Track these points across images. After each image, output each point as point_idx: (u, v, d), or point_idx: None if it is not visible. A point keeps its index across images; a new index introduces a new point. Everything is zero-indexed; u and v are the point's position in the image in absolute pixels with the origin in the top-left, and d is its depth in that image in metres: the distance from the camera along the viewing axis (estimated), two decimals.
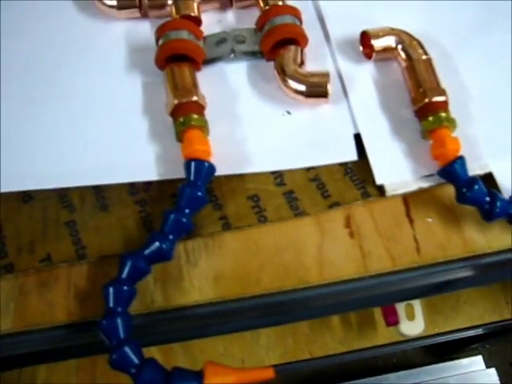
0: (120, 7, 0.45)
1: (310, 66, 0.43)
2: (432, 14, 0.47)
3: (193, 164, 0.38)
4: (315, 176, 0.41)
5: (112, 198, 0.40)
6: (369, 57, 0.44)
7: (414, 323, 0.71)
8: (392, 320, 0.69)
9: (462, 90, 0.43)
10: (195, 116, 0.40)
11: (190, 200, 0.38)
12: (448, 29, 0.46)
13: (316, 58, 0.44)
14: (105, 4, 0.45)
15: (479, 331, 0.76)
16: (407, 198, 0.41)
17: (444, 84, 0.42)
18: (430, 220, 0.40)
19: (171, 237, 0.37)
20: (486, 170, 0.41)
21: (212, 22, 0.46)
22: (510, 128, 0.42)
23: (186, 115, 0.40)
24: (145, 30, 0.45)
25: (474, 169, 0.41)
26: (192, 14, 0.44)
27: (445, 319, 0.76)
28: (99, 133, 0.42)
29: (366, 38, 0.43)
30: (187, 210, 0.38)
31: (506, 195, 0.40)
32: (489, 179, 0.41)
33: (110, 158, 0.41)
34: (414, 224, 0.40)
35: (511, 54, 0.45)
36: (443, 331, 0.75)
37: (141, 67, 0.44)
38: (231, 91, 0.43)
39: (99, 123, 0.42)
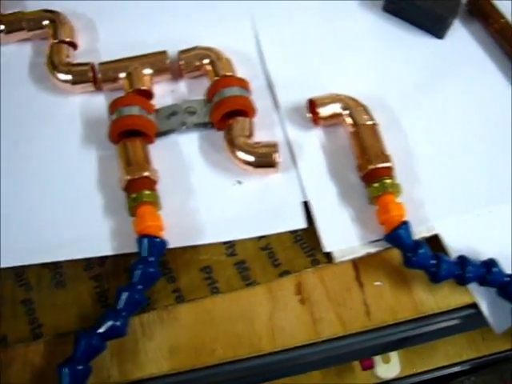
0: (74, 82, 0.47)
1: (260, 135, 0.45)
2: (379, 78, 0.49)
3: (144, 240, 0.40)
4: (266, 245, 0.43)
5: (68, 274, 0.42)
6: (316, 123, 0.46)
7: (389, 366, 0.73)
8: (367, 364, 0.71)
9: (408, 153, 0.46)
10: (147, 192, 0.42)
11: (142, 276, 0.40)
12: (395, 92, 0.48)
13: (266, 127, 0.46)
14: (59, 79, 0.47)
15: (457, 369, 0.78)
16: (357, 263, 0.43)
17: (390, 149, 0.44)
18: (380, 283, 0.42)
19: (125, 313, 0.39)
20: (433, 232, 0.43)
21: (165, 93, 0.48)
22: (453, 189, 0.44)
23: (137, 191, 0.42)
24: (100, 103, 0.48)
25: (421, 232, 0.43)
26: (143, 88, 0.46)
27: (422, 358, 0.77)
28: (55, 209, 0.43)
29: (312, 105, 0.45)
30: (140, 286, 0.39)
31: (454, 255, 0.42)
32: (436, 241, 0.43)
33: (66, 234, 0.43)
34: (364, 288, 0.42)
35: (456, 114, 0.48)
36: (421, 371, 0.77)
37: (96, 141, 0.46)
38: (184, 163, 0.45)
39: (55, 199, 0.44)
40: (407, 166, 0.45)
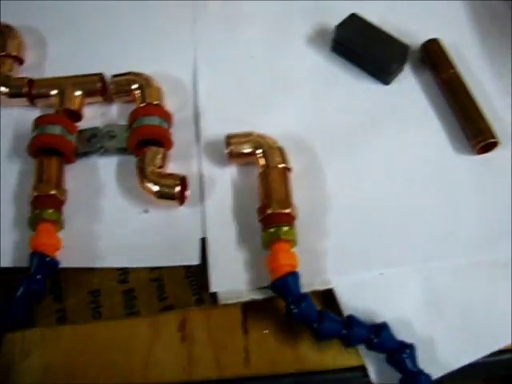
0: (10, 95, 0.49)
1: (176, 166, 0.46)
2: (311, 120, 0.48)
3: (35, 257, 0.41)
4: (158, 276, 0.43)
5: None
6: (231, 161, 0.46)
7: None
8: None
9: (322, 202, 0.45)
10: (50, 210, 0.43)
11: (26, 293, 0.41)
12: (326, 136, 0.47)
13: (183, 158, 0.47)
14: None
15: None
16: (246, 308, 0.42)
17: (303, 195, 0.44)
18: (266, 332, 0.42)
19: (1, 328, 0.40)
20: (328, 286, 0.42)
21: (95, 115, 0.49)
22: (358, 245, 0.43)
23: (41, 208, 0.43)
24: (33, 118, 0.49)
25: (314, 284, 0.42)
26: (72, 108, 0.47)
27: None
28: None
29: (228, 141, 0.45)
30: (22, 302, 0.41)
31: (346, 313, 0.41)
32: (331, 297, 0.42)
33: None
34: (249, 334, 0.42)
35: (383, 169, 0.46)
36: None
37: (22, 154, 0.48)
38: (97, 185, 0.46)
39: None
40: (317, 215, 0.44)
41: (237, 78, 0.50)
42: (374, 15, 0.51)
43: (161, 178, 0.44)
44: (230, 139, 0.45)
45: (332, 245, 0.43)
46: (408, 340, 0.40)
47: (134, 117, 0.46)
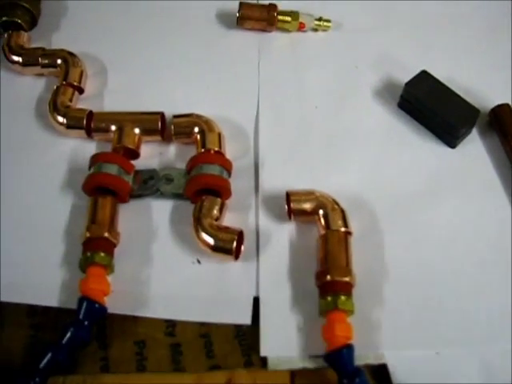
0: (68, 126, 0.48)
1: (232, 217, 0.45)
2: (374, 179, 0.47)
3: (84, 303, 0.41)
4: (206, 332, 0.42)
5: (10, 316, 0.43)
6: (289, 217, 0.45)
7: None
8: None
9: (380, 269, 0.44)
10: (102, 254, 0.42)
11: (72, 339, 0.40)
12: (386, 197, 0.46)
13: (240, 209, 0.46)
14: (56, 120, 0.49)
15: None
16: (295, 374, 0.41)
17: (359, 261, 0.42)
18: None
19: (44, 373, 0.39)
20: (381, 361, 0.40)
21: (153, 153, 0.49)
22: (418, 318, 0.42)
23: (93, 251, 0.42)
24: (89, 151, 0.49)
25: (368, 357, 0.40)
26: (130, 147, 0.47)
27: None
28: (13, 247, 0.44)
29: (288, 198, 0.44)
30: (67, 348, 0.40)
31: None
32: (383, 372, 0.40)
33: (16, 275, 0.43)
34: None
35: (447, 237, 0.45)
36: None
37: (76, 188, 0.47)
38: (151, 229, 0.45)
39: (16, 238, 0.45)
40: (373, 283, 0.43)
41: (299, 129, 0.49)
42: (442, 71, 0.50)
43: (218, 231, 0.43)
44: (291, 196, 0.44)
45: (388, 317, 0.42)
46: None
47: (194, 163, 0.45)
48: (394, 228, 0.45)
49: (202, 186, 0.44)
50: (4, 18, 0.53)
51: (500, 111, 0.49)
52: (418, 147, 0.49)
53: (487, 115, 0.50)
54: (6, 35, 0.53)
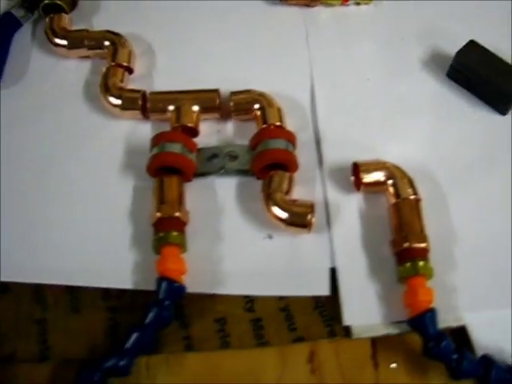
0: (123, 107, 0.48)
1: (299, 190, 0.45)
2: (432, 148, 0.48)
3: (163, 283, 0.41)
4: (286, 306, 0.42)
5: (85, 300, 0.43)
6: (358, 188, 0.45)
7: None
8: None
9: (449, 235, 0.44)
10: (175, 233, 0.42)
11: (155, 319, 0.40)
12: (446, 165, 0.47)
13: (306, 182, 0.46)
14: (110, 102, 0.48)
15: None
16: (376, 341, 0.42)
17: (429, 227, 0.43)
18: (396, 366, 0.41)
19: (132, 353, 0.39)
20: (460, 323, 0.41)
21: (211, 131, 0.48)
22: (491, 281, 0.43)
23: (165, 230, 0.42)
24: (145, 132, 0.48)
25: (447, 320, 0.41)
26: (189, 125, 0.47)
27: None
28: (81, 232, 0.44)
29: (356, 169, 0.45)
30: (151, 329, 0.40)
31: (479, 351, 0.40)
32: (463, 333, 0.41)
33: (89, 260, 0.43)
34: (379, 368, 0.41)
35: (510, 200, 0.46)
36: None
37: (135, 170, 0.47)
38: (217, 207, 0.45)
39: (85, 223, 0.45)
40: (445, 248, 0.44)
41: (355, 101, 0.50)
42: (488, 42, 0.51)
43: (291, 205, 0.43)
44: (360, 167, 0.44)
45: (462, 279, 0.43)
46: None
47: (259, 139, 0.45)
48: (457, 194, 0.46)
49: (271, 160, 0.44)
50: (46, 1, 0.51)
51: None
52: (470, 115, 0.50)
53: None
54: (47, 19, 0.52)
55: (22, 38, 0.54)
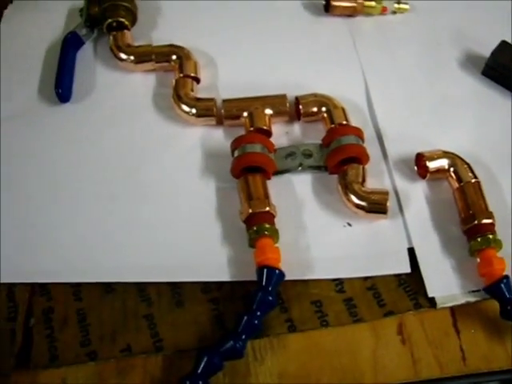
0: (199, 115, 0.52)
1: (370, 181, 0.50)
2: (479, 138, 0.54)
3: (265, 271, 0.45)
4: (372, 285, 0.48)
5: (187, 294, 0.47)
6: (423, 176, 0.51)
7: None
8: None
9: (506, 211, 0.51)
10: (267, 225, 0.47)
11: (261, 304, 0.44)
12: (491, 152, 0.54)
13: (375, 175, 0.51)
14: (184, 111, 0.52)
15: None
16: (455, 310, 0.47)
17: (490, 206, 0.49)
18: (473, 331, 0.47)
19: (244, 337, 0.43)
20: None
21: (280, 133, 0.54)
22: None
23: (259, 224, 0.47)
24: (219, 137, 0.53)
25: None
26: (264, 127, 0.51)
27: None
28: (176, 232, 0.49)
29: (421, 159, 0.51)
30: (259, 313, 0.44)
31: None
32: None
33: (186, 257, 0.48)
34: (461, 335, 0.47)
35: None
36: None
37: (215, 173, 0.51)
38: (297, 201, 0.50)
39: (176, 223, 0.49)
40: (506, 223, 0.50)
41: (406, 100, 0.56)
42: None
43: (369, 194, 0.48)
44: (425, 157, 0.50)
45: None
46: None
47: (331, 137, 0.51)
48: (507, 176, 0.52)
49: (346, 155, 0.49)
50: (109, 20, 0.56)
51: None
52: (506, 107, 0.57)
53: None
54: (111, 36, 0.56)
55: (85, 56, 0.57)
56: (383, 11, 0.61)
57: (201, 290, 0.47)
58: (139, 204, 0.50)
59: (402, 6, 0.61)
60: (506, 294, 0.45)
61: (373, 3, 0.60)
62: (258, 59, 0.58)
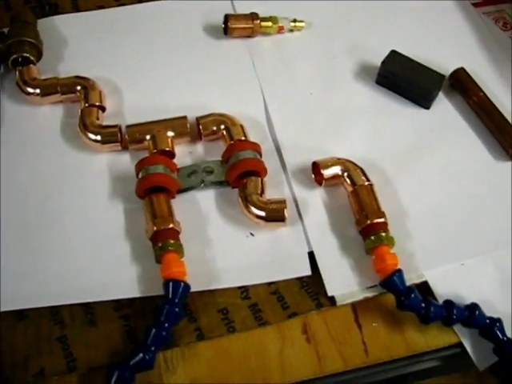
0: (104, 142, 0.57)
1: (270, 192, 0.56)
2: (374, 143, 0.61)
3: (171, 284, 0.50)
4: (276, 290, 0.53)
5: (99, 313, 0.51)
6: (319, 183, 0.57)
7: None
8: None
9: (400, 210, 0.57)
10: (172, 241, 0.51)
11: (169, 316, 0.49)
12: (387, 156, 0.60)
13: (275, 185, 0.57)
14: (90, 139, 0.57)
15: None
16: (356, 306, 0.53)
17: (384, 207, 0.54)
18: (376, 325, 0.52)
19: (153, 348, 0.48)
20: (422, 279, 0.53)
21: (184, 153, 0.59)
22: (440, 242, 0.55)
23: (163, 240, 0.51)
24: (125, 161, 0.58)
25: (412, 279, 0.53)
26: (167, 149, 0.57)
27: None
28: (86, 255, 0.53)
29: (316, 167, 0.56)
30: (167, 324, 0.49)
31: (440, 300, 0.52)
32: (425, 287, 0.53)
33: (97, 278, 0.52)
34: (363, 329, 0.52)
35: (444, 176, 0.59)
36: None
37: (122, 195, 0.56)
38: (202, 216, 0.56)
39: (86, 246, 0.53)
40: (399, 222, 0.56)
41: (303, 113, 0.62)
42: (404, 51, 0.65)
43: (267, 204, 0.54)
44: (320, 164, 0.56)
45: (418, 244, 0.55)
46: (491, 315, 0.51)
47: (230, 153, 0.56)
48: (401, 178, 0.58)
49: (244, 169, 0.55)
50: (14, 56, 0.60)
51: (458, 74, 0.64)
52: (400, 113, 0.63)
53: (447, 79, 0.65)
54: (17, 71, 0.60)
55: None
56: (280, 30, 0.67)
57: (113, 307, 0.51)
58: (49, 230, 0.54)
59: (297, 24, 0.67)
60: (400, 286, 0.51)
61: (269, 23, 0.66)
62: (160, 83, 0.63)
